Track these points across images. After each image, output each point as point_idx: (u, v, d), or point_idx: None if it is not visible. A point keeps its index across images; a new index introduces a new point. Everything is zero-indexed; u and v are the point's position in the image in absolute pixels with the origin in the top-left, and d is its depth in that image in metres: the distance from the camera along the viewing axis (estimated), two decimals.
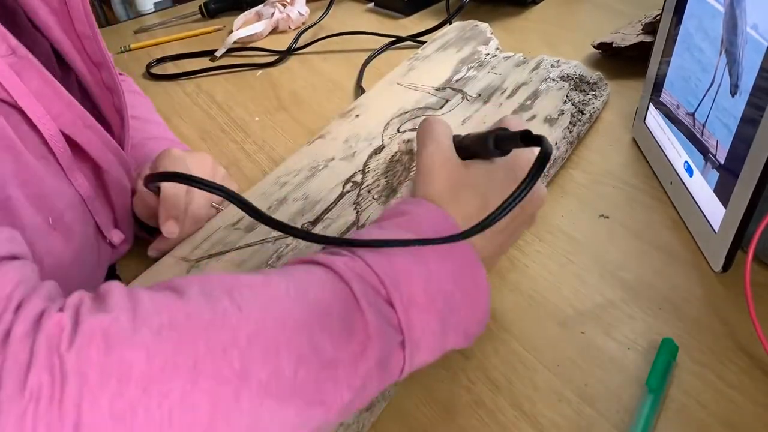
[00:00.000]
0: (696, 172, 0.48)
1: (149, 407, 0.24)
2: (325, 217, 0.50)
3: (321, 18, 0.95)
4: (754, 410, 0.37)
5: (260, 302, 0.28)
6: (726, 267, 0.44)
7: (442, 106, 0.61)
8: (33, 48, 0.39)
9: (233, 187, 0.55)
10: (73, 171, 0.42)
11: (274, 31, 0.97)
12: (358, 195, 0.52)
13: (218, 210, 0.53)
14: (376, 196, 0.52)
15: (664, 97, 0.54)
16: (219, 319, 0.26)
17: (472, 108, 0.60)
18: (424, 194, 0.36)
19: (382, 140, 0.58)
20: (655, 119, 0.56)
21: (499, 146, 0.35)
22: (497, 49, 0.71)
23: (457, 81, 0.65)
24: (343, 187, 0.53)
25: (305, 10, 0.98)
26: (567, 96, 0.60)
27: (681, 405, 0.38)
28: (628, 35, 0.71)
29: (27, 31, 0.42)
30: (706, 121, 0.47)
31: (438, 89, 0.64)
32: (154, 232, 0.51)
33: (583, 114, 0.59)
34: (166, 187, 0.48)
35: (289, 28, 0.97)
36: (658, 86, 0.55)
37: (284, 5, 0.97)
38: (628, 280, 0.46)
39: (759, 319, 0.38)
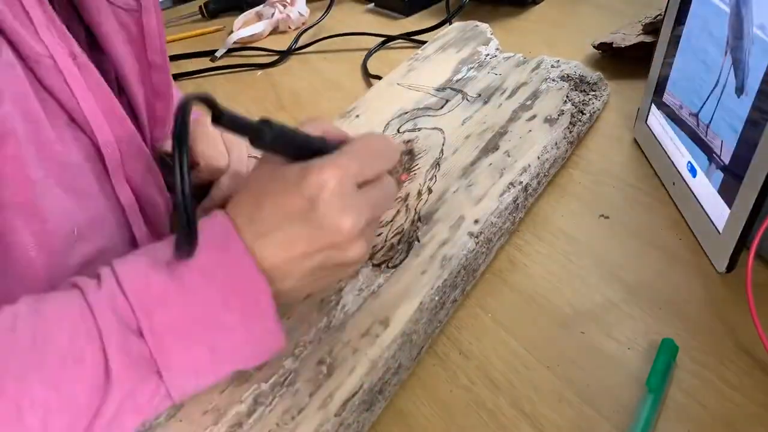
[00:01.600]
0: (700, 172, 0.48)
1: None
2: None
3: (321, 18, 0.95)
4: (754, 410, 0.37)
5: (8, 355, 0.27)
6: (730, 267, 0.44)
7: (442, 107, 0.61)
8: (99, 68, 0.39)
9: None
10: (119, 179, 0.42)
11: (275, 31, 0.97)
12: None
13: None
14: None
15: (667, 97, 0.54)
16: None
17: (472, 108, 0.60)
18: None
19: None
20: (657, 120, 0.56)
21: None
22: (497, 49, 0.71)
23: (457, 81, 0.65)
24: None
25: (305, 10, 0.99)
26: (567, 96, 0.60)
27: (681, 405, 0.38)
28: (628, 35, 0.71)
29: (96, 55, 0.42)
30: (710, 122, 0.46)
31: (438, 89, 0.64)
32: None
33: (583, 114, 0.59)
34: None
35: (290, 28, 0.97)
36: (660, 87, 0.55)
37: (284, 5, 0.97)
38: (628, 280, 0.46)
39: (760, 319, 0.38)
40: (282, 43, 0.91)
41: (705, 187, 0.47)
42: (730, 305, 0.43)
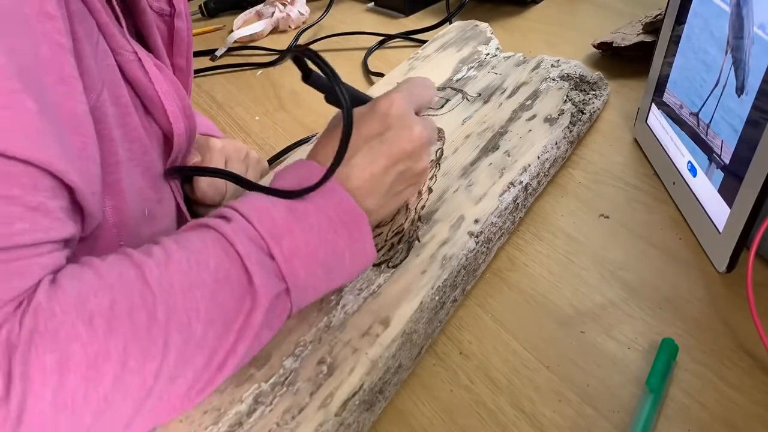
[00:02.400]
0: (700, 172, 0.48)
1: (88, 392, 0.27)
2: None
3: (321, 17, 0.95)
4: (754, 410, 0.37)
5: (167, 281, 0.30)
6: (731, 267, 0.44)
7: (442, 106, 0.61)
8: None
9: (262, 167, 0.60)
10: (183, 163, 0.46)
11: (275, 30, 0.97)
12: None
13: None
14: None
15: (667, 97, 0.54)
16: (138, 302, 0.29)
17: (472, 108, 0.60)
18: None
19: None
20: (657, 119, 0.56)
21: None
22: (497, 48, 0.71)
23: (457, 81, 0.65)
24: None
25: (305, 9, 0.98)
26: (567, 96, 0.60)
27: (681, 405, 0.38)
28: (628, 35, 0.71)
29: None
30: (710, 121, 0.46)
31: (438, 89, 0.64)
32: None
33: (583, 114, 0.59)
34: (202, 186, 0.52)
35: (290, 27, 0.97)
36: (660, 86, 0.55)
37: (284, 5, 0.97)
38: (628, 280, 0.46)
39: (760, 319, 0.38)
40: (282, 42, 0.91)
41: (705, 187, 0.47)
42: (730, 305, 0.43)
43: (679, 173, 0.51)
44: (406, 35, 0.88)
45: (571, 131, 0.57)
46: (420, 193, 0.50)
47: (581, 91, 0.62)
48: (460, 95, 0.63)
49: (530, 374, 0.41)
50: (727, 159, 0.44)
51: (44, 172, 0.28)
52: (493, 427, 0.38)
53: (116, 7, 0.38)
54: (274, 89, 0.80)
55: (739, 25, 0.42)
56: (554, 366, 0.41)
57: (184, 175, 0.49)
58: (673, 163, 0.52)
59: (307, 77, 0.38)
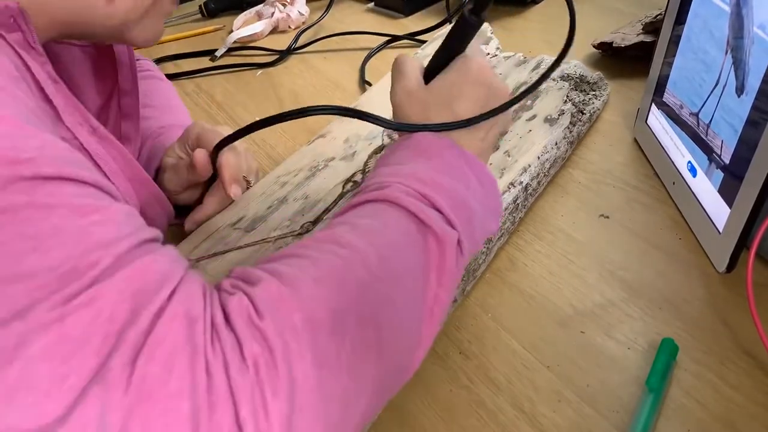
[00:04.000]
0: (700, 172, 0.48)
1: (338, 349, 0.27)
2: (326, 217, 0.50)
3: (321, 18, 0.95)
4: (754, 410, 0.37)
5: (366, 241, 0.32)
6: (730, 267, 0.44)
7: None
8: None
9: (254, 164, 0.58)
10: None
11: (274, 30, 0.97)
12: None
13: (248, 182, 0.55)
14: None
15: (667, 97, 0.54)
16: (350, 261, 0.30)
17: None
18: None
19: (383, 140, 0.58)
20: (657, 119, 0.56)
21: (474, 12, 0.39)
22: (497, 48, 0.71)
23: None
24: (344, 187, 0.53)
25: (305, 9, 0.98)
26: (567, 96, 0.60)
27: (681, 405, 0.38)
28: (628, 35, 0.71)
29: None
30: (710, 121, 0.46)
31: None
32: (183, 212, 0.53)
33: (583, 114, 0.59)
34: (227, 155, 0.51)
35: (289, 27, 0.97)
36: (660, 86, 0.55)
37: (284, 5, 0.97)
38: (628, 280, 0.46)
39: (760, 319, 0.38)
40: (282, 42, 0.91)
41: (705, 187, 0.47)
42: (730, 305, 0.43)
43: (679, 173, 0.51)
44: (407, 36, 0.88)
45: (571, 131, 0.57)
46: None
47: (581, 91, 0.62)
48: None
49: (530, 374, 0.41)
50: (727, 159, 0.44)
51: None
52: (493, 427, 0.38)
53: (44, 89, 0.34)
54: (274, 89, 0.80)
55: (739, 25, 0.42)
56: (554, 366, 0.41)
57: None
58: (673, 163, 0.52)
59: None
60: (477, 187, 0.37)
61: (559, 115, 0.57)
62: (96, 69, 0.47)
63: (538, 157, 0.52)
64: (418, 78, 0.41)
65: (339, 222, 0.34)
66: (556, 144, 0.55)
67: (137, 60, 0.55)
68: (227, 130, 0.55)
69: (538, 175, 0.52)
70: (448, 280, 0.33)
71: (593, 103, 0.61)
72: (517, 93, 0.39)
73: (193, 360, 0.24)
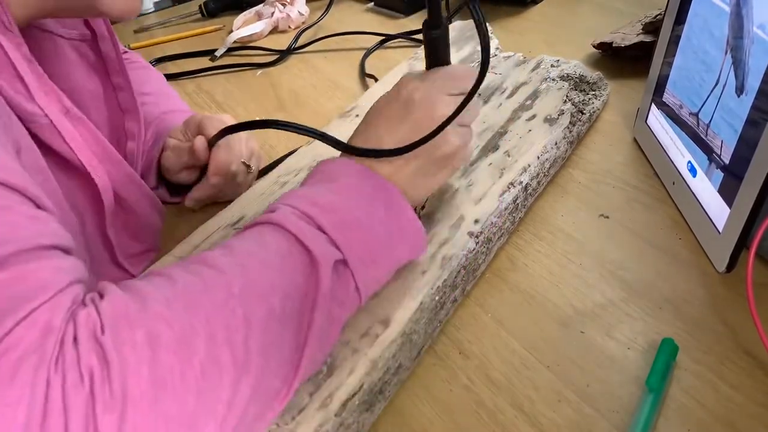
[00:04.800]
0: (700, 172, 0.48)
1: (184, 368, 0.27)
2: None
3: (321, 17, 0.95)
4: (754, 410, 0.37)
5: (235, 262, 0.32)
6: (730, 267, 0.44)
7: None
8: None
9: (256, 148, 0.60)
10: (110, 222, 0.45)
11: (274, 30, 0.97)
12: None
13: (248, 167, 0.57)
14: None
15: (667, 97, 0.54)
16: (211, 282, 0.30)
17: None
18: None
19: None
20: (657, 119, 0.56)
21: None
22: (497, 48, 0.71)
23: None
24: None
25: (305, 9, 0.98)
26: (567, 96, 0.60)
27: (681, 405, 0.38)
28: (628, 35, 0.71)
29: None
30: (710, 121, 0.46)
31: None
32: (181, 190, 0.57)
33: (583, 114, 0.59)
34: (218, 150, 0.53)
35: (289, 27, 0.97)
36: (660, 86, 0.55)
37: (284, 5, 0.97)
38: (628, 280, 0.46)
39: (760, 319, 0.38)
40: (281, 42, 0.91)
41: (705, 187, 0.47)
42: (730, 305, 0.43)
43: (679, 173, 0.51)
44: (407, 36, 0.88)
45: (570, 131, 0.57)
46: None
47: (581, 91, 0.62)
48: None
49: (530, 374, 0.41)
50: (726, 159, 0.44)
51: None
52: (493, 427, 0.38)
53: (17, 66, 0.36)
54: (274, 89, 0.80)
55: (739, 25, 0.42)
56: (554, 366, 0.41)
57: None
58: (672, 163, 0.52)
59: None
60: (381, 212, 0.37)
61: (558, 115, 0.57)
62: (87, 64, 0.48)
63: (538, 157, 0.52)
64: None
65: (220, 245, 0.34)
66: (556, 144, 0.55)
67: (124, 53, 0.57)
68: (228, 119, 0.57)
69: (538, 174, 0.52)
70: (323, 301, 0.33)
71: (593, 103, 0.61)
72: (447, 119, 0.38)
73: (37, 370, 0.24)
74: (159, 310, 0.28)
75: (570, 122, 0.57)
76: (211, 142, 0.53)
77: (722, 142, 0.44)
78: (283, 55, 0.88)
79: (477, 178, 0.51)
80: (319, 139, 0.41)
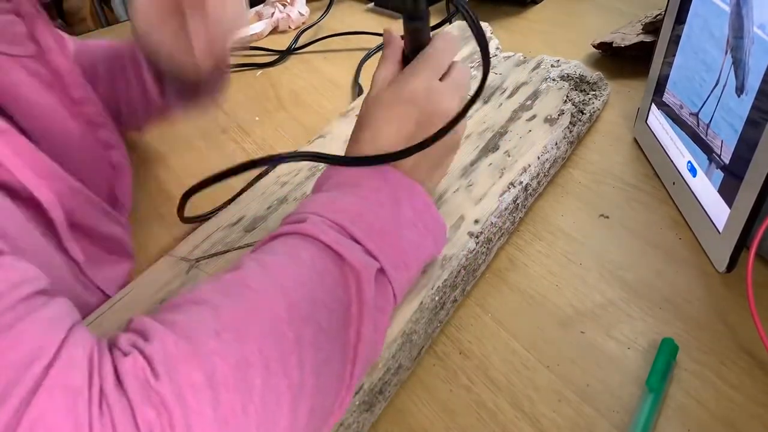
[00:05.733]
0: (700, 172, 0.48)
1: (244, 403, 0.26)
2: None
3: (321, 18, 0.95)
4: (754, 410, 0.37)
5: (275, 281, 0.30)
6: (730, 267, 0.44)
7: None
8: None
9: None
10: (68, 239, 0.42)
11: (274, 30, 0.97)
12: None
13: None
14: None
15: (667, 97, 0.54)
16: (255, 306, 0.29)
17: (472, 108, 0.60)
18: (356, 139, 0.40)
19: None
20: (657, 119, 0.56)
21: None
22: (497, 48, 0.71)
23: None
24: None
25: (305, 9, 0.98)
26: (567, 96, 0.60)
27: (681, 405, 0.38)
28: (628, 35, 0.71)
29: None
30: (710, 121, 0.46)
31: None
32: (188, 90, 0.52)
33: (583, 114, 0.59)
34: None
35: (289, 27, 0.97)
36: (660, 86, 0.55)
37: (284, 5, 0.97)
38: (628, 280, 0.46)
39: (760, 319, 0.38)
40: (281, 42, 0.91)
41: (705, 187, 0.47)
42: (730, 305, 0.43)
43: (679, 173, 0.51)
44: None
45: (571, 131, 0.57)
46: None
47: (581, 91, 0.62)
48: None
49: (530, 374, 0.41)
50: (726, 159, 0.44)
51: None
52: (493, 427, 0.38)
53: None
54: (274, 89, 0.80)
55: (739, 25, 0.42)
56: (554, 366, 0.41)
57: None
58: (672, 163, 0.52)
59: None
60: (409, 213, 0.37)
61: (559, 115, 0.57)
62: (39, 80, 0.45)
63: (538, 157, 0.52)
64: (379, 89, 0.40)
65: (250, 259, 0.32)
66: (556, 144, 0.55)
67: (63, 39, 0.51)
68: None
69: (538, 175, 0.52)
70: (369, 312, 0.32)
71: (593, 103, 0.61)
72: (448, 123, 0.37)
73: None
74: (212, 346, 0.26)
75: (570, 122, 0.57)
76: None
77: (722, 142, 0.44)
78: (283, 55, 0.88)
79: (477, 178, 0.51)
80: (333, 162, 0.38)
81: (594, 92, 0.62)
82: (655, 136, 0.56)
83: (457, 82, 0.41)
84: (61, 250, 0.42)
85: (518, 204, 0.50)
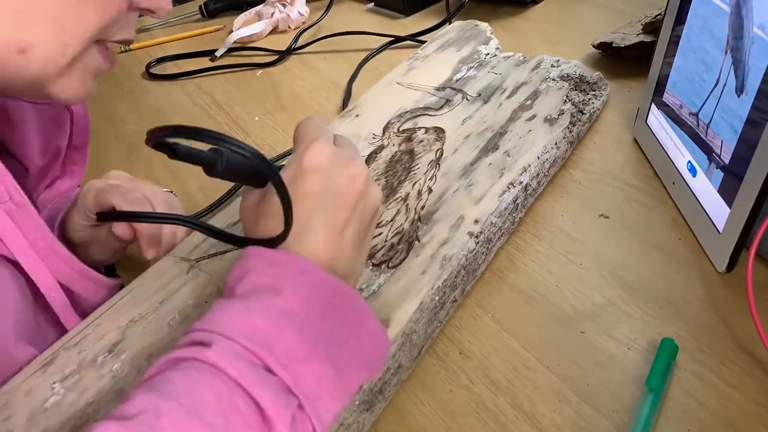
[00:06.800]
0: (700, 172, 0.48)
1: None
2: None
3: (321, 18, 0.95)
4: (754, 410, 0.37)
5: (176, 422, 0.25)
6: (730, 267, 0.44)
7: (442, 106, 0.61)
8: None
9: (176, 203, 0.52)
10: (67, 317, 0.42)
11: (274, 30, 0.97)
12: None
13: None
14: None
15: (667, 97, 0.54)
16: None
17: (472, 108, 0.60)
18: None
19: (382, 140, 0.58)
20: (657, 119, 0.56)
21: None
22: (497, 48, 0.71)
23: (457, 81, 0.65)
24: None
25: (305, 10, 0.98)
26: (567, 96, 0.60)
27: (681, 405, 0.38)
28: (628, 35, 0.71)
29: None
30: (710, 121, 0.46)
31: (438, 89, 0.64)
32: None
33: (583, 114, 0.59)
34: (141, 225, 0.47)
35: (289, 28, 0.97)
36: (660, 86, 0.55)
37: (284, 5, 0.97)
38: (628, 280, 0.46)
39: (760, 319, 0.38)
40: (281, 42, 0.91)
41: (705, 187, 0.47)
42: (730, 305, 0.43)
43: (679, 173, 0.51)
44: (408, 38, 0.88)
45: (570, 131, 0.57)
46: (420, 193, 0.50)
47: (581, 91, 0.62)
48: (459, 95, 0.63)
49: (530, 374, 0.41)
50: (726, 159, 0.44)
51: None
52: (493, 427, 0.38)
53: None
54: (274, 89, 0.80)
55: (739, 25, 0.42)
56: (554, 366, 0.41)
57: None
58: (672, 163, 0.52)
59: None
60: (341, 331, 0.31)
61: (558, 115, 0.57)
62: (45, 127, 0.45)
63: (538, 157, 0.52)
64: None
65: (143, 399, 0.26)
66: (556, 144, 0.55)
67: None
68: (117, 176, 0.49)
69: (538, 175, 0.52)
70: None
71: (593, 103, 0.61)
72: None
73: None
74: None
75: (570, 122, 0.57)
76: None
77: (722, 142, 0.44)
78: (283, 55, 0.88)
79: (477, 178, 0.51)
80: (232, 244, 0.36)
81: (594, 92, 0.62)
82: (655, 136, 0.56)
83: (349, 150, 0.37)
84: (55, 322, 0.42)
85: (518, 204, 0.50)
